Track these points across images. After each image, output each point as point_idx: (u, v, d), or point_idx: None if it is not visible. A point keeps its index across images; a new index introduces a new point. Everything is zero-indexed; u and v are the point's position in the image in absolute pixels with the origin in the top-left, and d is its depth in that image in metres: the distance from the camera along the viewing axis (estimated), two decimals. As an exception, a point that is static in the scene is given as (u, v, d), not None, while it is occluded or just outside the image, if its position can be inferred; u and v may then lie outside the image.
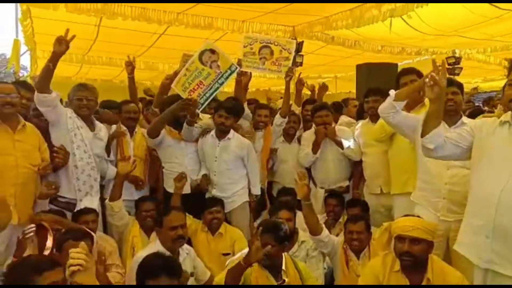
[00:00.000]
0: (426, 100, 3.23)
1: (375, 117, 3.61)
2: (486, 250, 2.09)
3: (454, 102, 2.94)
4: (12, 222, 2.77)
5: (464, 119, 2.96)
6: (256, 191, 3.80)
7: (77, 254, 1.62)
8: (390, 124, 3.08)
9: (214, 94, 3.66)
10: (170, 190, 3.61)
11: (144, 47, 7.46)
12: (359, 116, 4.34)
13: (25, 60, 14.36)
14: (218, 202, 3.53)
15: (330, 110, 4.08)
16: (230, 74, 3.67)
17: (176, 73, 3.84)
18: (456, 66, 6.67)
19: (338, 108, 4.67)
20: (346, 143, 3.91)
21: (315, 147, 3.98)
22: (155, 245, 2.75)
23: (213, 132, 3.71)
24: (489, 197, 2.09)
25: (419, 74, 3.28)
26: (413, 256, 2.31)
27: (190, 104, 3.51)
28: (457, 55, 6.85)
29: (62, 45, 2.89)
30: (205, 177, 3.69)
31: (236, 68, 3.70)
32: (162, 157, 3.82)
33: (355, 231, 2.96)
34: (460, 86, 3.05)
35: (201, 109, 3.68)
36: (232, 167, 3.68)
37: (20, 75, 8.87)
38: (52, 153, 3.12)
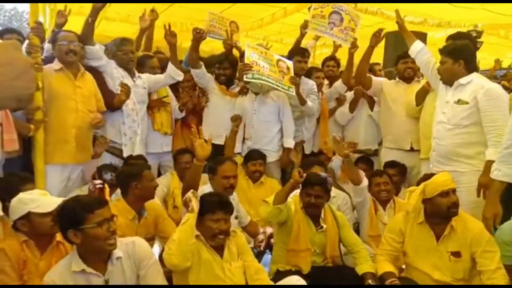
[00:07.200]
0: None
1: (409, 79, 3.82)
2: None
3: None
4: (72, 161, 3.09)
5: (462, 80, 2.91)
6: (289, 143, 3.83)
7: None
8: None
9: (264, 82, 3.60)
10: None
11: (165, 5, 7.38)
12: None
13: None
14: (262, 155, 3.67)
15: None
16: (284, 89, 3.65)
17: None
18: (477, 40, 6.70)
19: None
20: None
21: (353, 105, 4.05)
22: (207, 187, 2.88)
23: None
24: None
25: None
26: (458, 205, 2.49)
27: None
28: (478, 29, 6.86)
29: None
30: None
31: (291, 91, 3.66)
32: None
33: (382, 182, 3.19)
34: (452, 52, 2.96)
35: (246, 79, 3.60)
36: (270, 119, 3.79)
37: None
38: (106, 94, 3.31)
